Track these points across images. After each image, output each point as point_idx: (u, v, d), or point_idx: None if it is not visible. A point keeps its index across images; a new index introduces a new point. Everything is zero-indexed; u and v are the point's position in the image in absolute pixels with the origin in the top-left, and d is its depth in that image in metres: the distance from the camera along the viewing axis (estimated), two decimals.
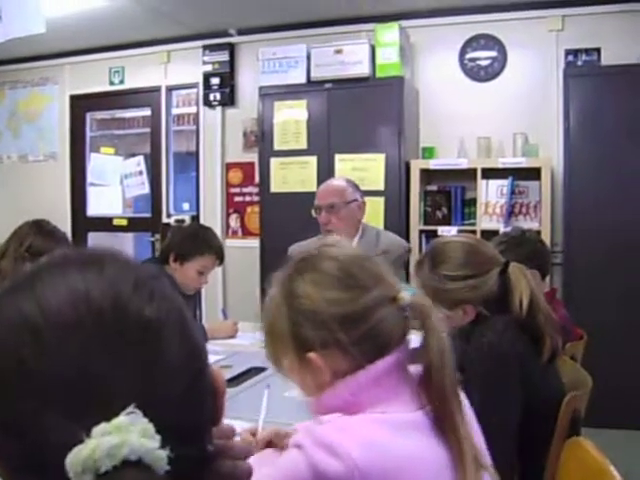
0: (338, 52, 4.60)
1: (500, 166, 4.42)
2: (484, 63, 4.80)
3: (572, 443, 1.65)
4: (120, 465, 0.46)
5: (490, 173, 4.46)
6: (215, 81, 5.36)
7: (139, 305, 0.54)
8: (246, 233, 5.42)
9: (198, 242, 3.03)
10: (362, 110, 4.58)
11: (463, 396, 1.18)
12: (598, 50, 4.39)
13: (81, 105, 5.95)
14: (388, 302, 1.14)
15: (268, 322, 1.21)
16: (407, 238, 4.33)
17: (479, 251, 1.99)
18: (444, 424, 1.07)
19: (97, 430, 0.47)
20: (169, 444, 0.48)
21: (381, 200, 4.48)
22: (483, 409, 1.81)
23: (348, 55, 4.58)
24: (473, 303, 1.94)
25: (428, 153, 4.79)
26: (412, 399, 1.10)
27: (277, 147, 4.77)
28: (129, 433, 0.47)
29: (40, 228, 2.76)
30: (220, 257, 3.10)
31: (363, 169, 4.55)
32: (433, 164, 4.60)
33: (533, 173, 4.39)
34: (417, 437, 1.05)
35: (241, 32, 5.31)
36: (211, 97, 5.39)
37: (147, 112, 5.85)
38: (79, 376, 0.50)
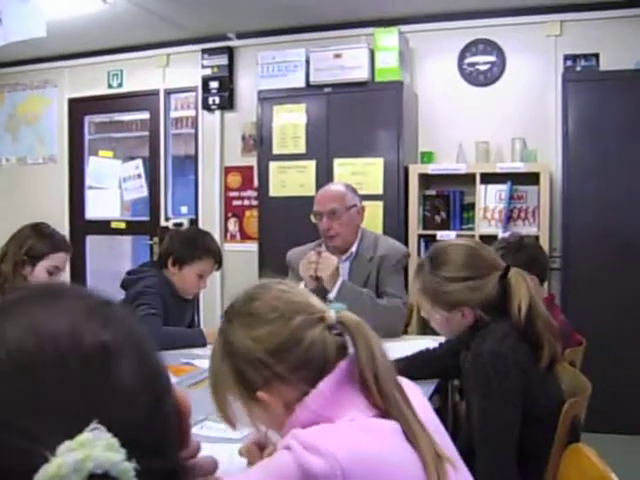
0: (337, 56, 4.60)
1: (499, 171, 4.43)
2: (483, 68, 4.81)
3: (572, 449, 1.65)
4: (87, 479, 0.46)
5: (489, 178, 4.47)
6: (214, 85, 5.36)
7: (95, 330, 0.55)
8: (244, 237, 5.42)
9: (197, 246, 3.03)
10: (361, 114, 4.58)
11: (415, 390, 1.27)
12: (597, 55, 4.41)
13: (80, 108, 5.95)
14: (316, 324, 1.20)
15: (214, 375, 1.29)
16: (406, 243, 4.33)
17: (480, 254, 2.00)
18: (402, 426, 1.12)
19: (62, 448, 0.47)
20: (135, 457, 0.49)
21: (380, 204, 4.48)
22: (483, 416, 1.82)
23: (347, 59, 4.58)
24: (471, 305, 1.95)
25: (427, 158, 4.79)
26: (367, 407, 1.15)
27: (276, 151, 4.78)
28: (93, 448, 0.47)
29: (39, 231, 2.76)
30: (218, 261, 3.10)
31: (362, 173, 4.55)
32: (432, 169, 4.60)
33: (531, 178, 4.40)
34: (392, 439, 1.10)
35: (240, 36, 5.32)
36: (210, 101, 5.39)
37: (146, 115, 5.86)
38: (38, 402, 0.50)
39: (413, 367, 2.39)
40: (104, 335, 0.55)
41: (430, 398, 2.35)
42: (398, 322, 3.09)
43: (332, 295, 2.94)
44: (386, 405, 1.13)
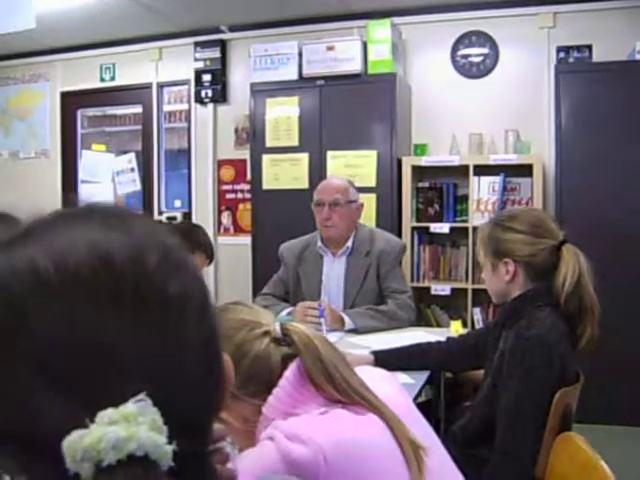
0: (330, 49, 4.59)
1: (492, 163, 4.42)
2: (476, 60, 4.80)
3: (563, 437, 1.66)
4: (125, 459, 0.42)
5: (482, 170, 4.46)
6: (207, 78, 5.34)
7: (164, 278, 0.49)
8: (238, 230, 5.41)
9: (188, 240, 3.01)
10: (354, 107, 4.57)
11: (390, 379, 1.30)
12: (589, 47, 4.40)
13: (72, 102, 5.92)
14: (260, 338, 1.22)
15: None
16: (399, 235, 4.33)
17: (546, 221, 2.11)
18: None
19: (103, 416, 0.43)
20: (175, 438, 0.44)
21: (373, 197, 4.48)
22: (519, 400, 1.84)
23: (340, 52, 4.57)
24: (517, 260, 2.03)
25: (420, 150, 4.78)
26: (328, 404, 1.16)
27: (269, 144, 4.76)
28: (138, 425, 0.43)
29: None
30: (210, 255, 3.09)
31: (355, 166, 4.54)
32: (425, 161, 4.60)
33: (525, 170, 4.40)
34: (370, 425, 1.12)
35: (233, 29, 5.30)
36: (203, 94, 5.37)
37: (138, 109, 5.83)
38: (87, 345, 0.45)
39: (417, 358, 2.44)
40: (172, 285, 0.50)
41: (421, 389, 2.36)
42: (409, 316, 3.19)
43: (349, 326, 3.03)
44: (347, 399, 1.15)
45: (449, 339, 2.55)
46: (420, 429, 1.22)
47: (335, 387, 1.15)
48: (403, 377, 2.30)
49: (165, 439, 0.44)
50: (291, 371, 1.18)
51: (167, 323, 0.48)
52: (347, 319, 3.02)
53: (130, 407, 0.43)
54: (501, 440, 1.85)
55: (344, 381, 1.15)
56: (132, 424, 0.43)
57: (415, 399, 2.21)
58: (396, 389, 1.31)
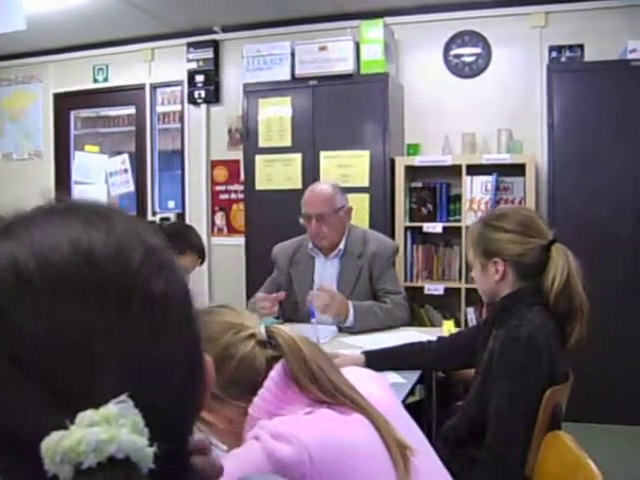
0: (322, 49, 4.59)
1: (485, 162, 4.43)
2: (468, 60, 4.80)
3: (551, 436, 1.66)
4: (105, 462, 0.41)
5: (475, 169, 4.47)
6: (200, 78, 5.34)
7: (147, 277, 0.48)
8: (232, 231, 5.41)
9: (179, 241, 3.01)
10: (347, 107, 4.57)
11: (378, 380, 1.31)
12: (581, 46, 4.41)
13: (65, 103, 5.91)
14: (246, 340, 1.22)
15: None
16: (392, 235, 4.33)
17: (535, 221, 2.12)
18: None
19: (83, 417, 0.42)
20: (156, 440, 0.43)
21: (366, 197, 4.48)
22: (509, 400, 1.84)
23: (332, 52, 4.57)
24: (507, 259, 2.04)
25: (413, 150, 4.79)
26: (312, 404, 1.16)
27: (262, 144, 4.76)
28: (119, 427, 0.42)
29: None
30: (202, 256, 3.09)
31: (348, 166, 4.54)
32: (418, 161, 4.60)
33: (517, 169, 4.40)
34: (356, 425, 1.12)
35: (225, 29, 5.30)
36: (196, 95, 5.37)
37: (132, 110, 5.83)
38: (68, 345, 0.44)
39: (408, 357, 2.44)
40: (155, 284, 0.49)
41: (412, 388, 2.36)
42: (404, 316, 3.20)
43: (350, 322, 3.02)
44: (332, 400, 1.15)
45: (440, 338, 2.55)
46: (407, 429, 1.23)
47: (320, 388, 1.15)
48: (394, 377, 2.30)
49: (146, 441, 0.43)
50: (276, 372, 1.18)
51: (150, 323, 0.47)
52: (351, 315, 3.01)
53: (111, 408, 0.42)
54: (491, 439, 1.85)
55: (329, 382, 1.15)
56: (113, 426, 0.42)
57: (406, 399, 2.21)
58: (383, 389, 1.31)
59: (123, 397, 0.43)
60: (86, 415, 0.42)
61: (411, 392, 2.54)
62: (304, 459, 1.02)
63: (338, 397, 1.15)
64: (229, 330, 1.23)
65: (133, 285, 0.47)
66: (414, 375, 2.37)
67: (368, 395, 1.19)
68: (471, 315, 4.45)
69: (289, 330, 1.24)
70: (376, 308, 3.12)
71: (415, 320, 4.40)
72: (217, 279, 5.42)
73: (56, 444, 0.41)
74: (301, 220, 3.27)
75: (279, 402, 1.17)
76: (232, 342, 1.22)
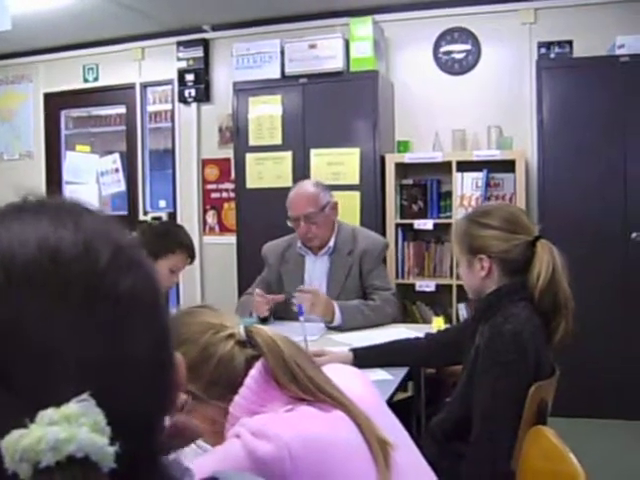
0: (312, 47, 4.58)
1: (475, 159, 4.44)
2: (458, 56, 4.81)
3: (534, 431, 1.67)
4: (64, 461, 0.41)
5: (465, 166, 4.48)
6: (190, 77, 5.34)
7: (114, 276, 0.48)
8: (223, 230, 5.40)
9: (169, 240, 3.00)
10: (337, 105, 4.57)
11: (360, 377, 1.31)
12: (570, 42, 4.41)
13: (56, 103, 5.90)
14: (225, 340, 1.23)
15: None
16: (383, 232, 4.34)
17: (520, 217, 2.12)
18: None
19: (43, 416, 0.42)
20: (119, 439, 0.43)
21: (357, 194, 4.48)
22: (494, 395, 1.85)
23: (322, 50, 4.56)
24: (492, 255, 2.04)
25: (403, 147, 4.79)
26: (292, 402, 1.16)
27: (252, 143, 4.76)
28: (79, 426, 0.42)
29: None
30: (191, 255, 3.08)
31: (338, 163, 4.54)
32: (408, 158, 4.60)
33: (507, 165, 4.41)
34: (337, 422, 1.12)
35: (215, 28, 5.29)
36: (186, 93, 5.37)
37: (122, 109, 5.82)
38: (30, 344, 0.44)
39: (397, 354, 2.44)
40: (122, 283, 0.48)
41: (404, 385, 2.36)
42: (394, 312, 3.21)
43: (337, 322, 3.02)
44: (312, 397, 1.15)
45: (428, 335, 2.56)
46: (389, 425, 1.23)
47: (299, 386, 1.15)
48: (382, 374, 2.31)
49: (107, 440, 0.43)
50: (257, 370, 1.19)
51: (115, 322, 0.47)
52: (337, 315, 3.01)
53: (72, 407, 0.42)
54: (477, 435, 1.86)
55: (308, 380, 1.16)
56: (73, 425, 0.42)
57: (394, 395, 2.21)
58: (365, 386, 1.31)
59: (84, 396, 0.43)
60: (46, 414, 0.42)
61: (403, 388, 2.55)
62: (284, 456, 1.02)
63: (318, 395, 1.15)
64: (208, 330, 1.24)
65: (99, 284, 0.47)
66: (402, 372, 2.37)
67: (350, 392, 1.19)
68: (462, 311, 4.46)
69: (268, 330, 1.24)
70: (363, 306, 3.12)
71: (407, 317, 4.41)
72: (209, 278, 5.42)
73: (16, 442, 0.41)
74: (289, 223, 3.27)
75: (260, 400, 1.17)
76: (211, 342, 1.22)
